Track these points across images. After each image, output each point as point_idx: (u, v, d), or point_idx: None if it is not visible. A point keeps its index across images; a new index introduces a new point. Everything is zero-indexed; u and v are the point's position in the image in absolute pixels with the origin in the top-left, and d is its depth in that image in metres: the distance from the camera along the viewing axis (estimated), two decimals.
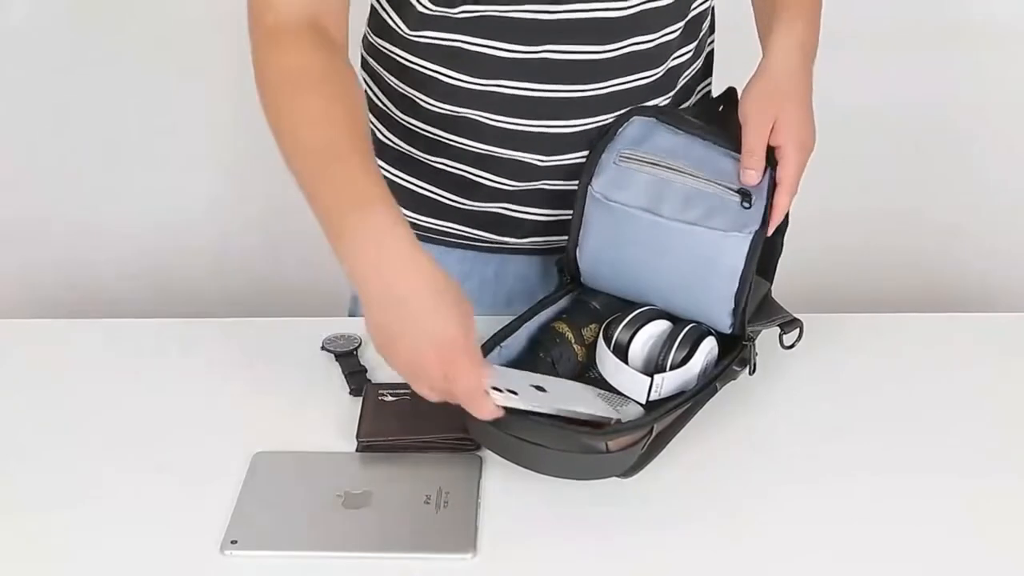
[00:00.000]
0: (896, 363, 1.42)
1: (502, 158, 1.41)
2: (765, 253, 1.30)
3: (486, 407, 1.12)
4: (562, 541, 1.17)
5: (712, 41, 1.50)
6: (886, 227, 2.50)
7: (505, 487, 1.22)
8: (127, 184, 2.50)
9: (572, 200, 1.38)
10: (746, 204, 1.28)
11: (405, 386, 1.30)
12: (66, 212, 2.51)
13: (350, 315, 1.59)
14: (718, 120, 1.40)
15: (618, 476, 1.20)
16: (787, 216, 1.32)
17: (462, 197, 1.44)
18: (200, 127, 2.45)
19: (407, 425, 1.29)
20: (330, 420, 1.32)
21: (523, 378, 1.23)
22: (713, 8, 1.46)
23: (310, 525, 1.19)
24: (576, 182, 1.38)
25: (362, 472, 1.25)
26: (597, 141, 1.36)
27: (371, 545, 1.16)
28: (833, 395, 1.37)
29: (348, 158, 1.17)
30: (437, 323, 1.12)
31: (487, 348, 1.29)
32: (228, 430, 1.31)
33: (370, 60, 1.46)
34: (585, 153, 1.38)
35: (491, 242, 1.47)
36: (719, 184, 1.30)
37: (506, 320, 1.36)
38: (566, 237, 1.40)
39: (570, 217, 1.39)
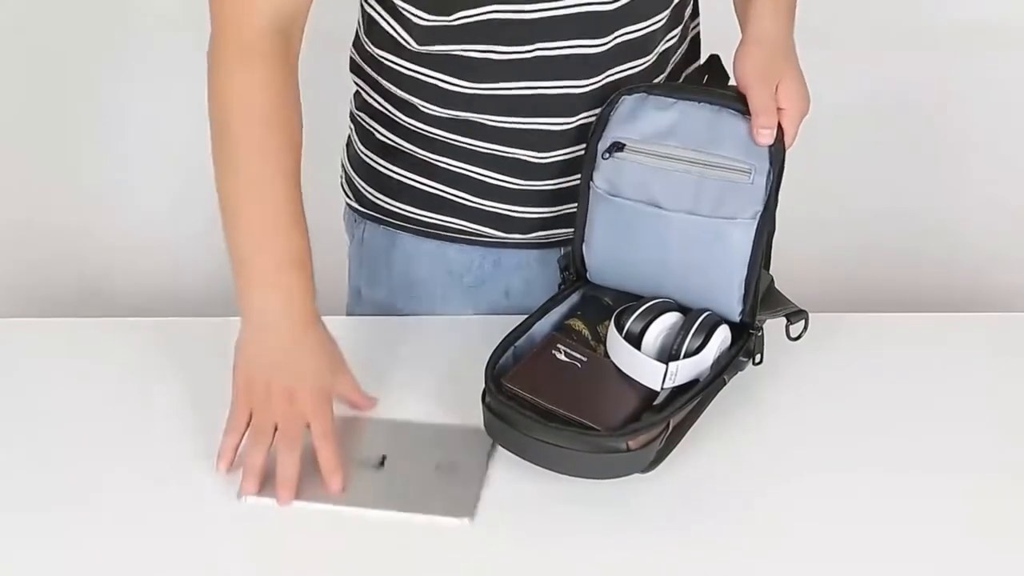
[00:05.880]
0: (895, 363, 1.42)
1: (503, 156, 1.41)
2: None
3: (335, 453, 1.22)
4: (558, 518, 1.19)
5: (697, 25, 1.51)
6: (885, 227, 2.49)
7: (513, 464, 1.22)
8: (124, 182, 2.50)
9: (573, 195, 1.38)
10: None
11: (582, 351, 1.28)
12: (64, 211, 2.50)
13: (348, 314, 1.59)
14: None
15: (640, 472, 1.21)
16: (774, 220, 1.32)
17: (465, 193, 1.45)
18: (201, 123, 2.44)
19: (558, 392, 1.24)
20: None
21: None
22: None
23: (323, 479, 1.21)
24: (575, 177, 1.38)
25: (381, 438, 1.28)
26: (592, 130, 1.35)
27: (376, 502, 1.19)
28: (832, 394, 1.36)
29: (284, 227, 1.28)
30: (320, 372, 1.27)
31: (500, 349, 1.28)
32: None
33: (366, 68, 1.46)
34: (583, 147, 1.37)
35: (493, 238, 1.47)
36: (720, 163, 1.28)
37: (508, 317, 1.36)
38: (567, 231, 1.40)
39: (571, 212, 1.38)
